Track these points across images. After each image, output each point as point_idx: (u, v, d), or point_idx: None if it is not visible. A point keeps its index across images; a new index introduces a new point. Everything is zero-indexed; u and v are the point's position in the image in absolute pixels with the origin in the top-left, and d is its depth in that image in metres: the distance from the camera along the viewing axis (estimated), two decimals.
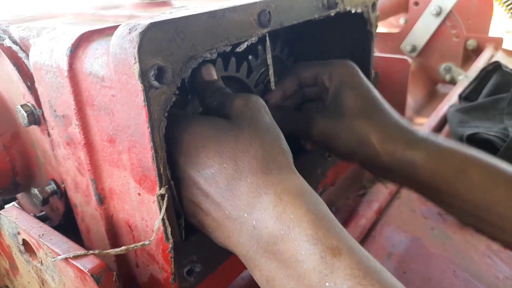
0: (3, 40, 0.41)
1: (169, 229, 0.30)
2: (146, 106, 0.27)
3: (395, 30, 1.43)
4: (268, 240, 0.27)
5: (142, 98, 0.26)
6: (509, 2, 1.17)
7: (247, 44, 0.34)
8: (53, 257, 0.29)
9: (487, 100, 0.92)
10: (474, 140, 0.79)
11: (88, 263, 0.27)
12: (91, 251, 0.28)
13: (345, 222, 0.59)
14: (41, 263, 0.32)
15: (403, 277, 0.53)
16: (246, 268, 0.42)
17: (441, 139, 0.40)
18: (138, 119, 0.27)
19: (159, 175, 0.28)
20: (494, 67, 1.02)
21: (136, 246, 0.30)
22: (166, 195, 0.29)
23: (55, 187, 0.42)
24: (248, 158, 0.29)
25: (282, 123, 0.45)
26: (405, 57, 0.82)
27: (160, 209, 0.29)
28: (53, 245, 0.29)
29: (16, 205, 0.51)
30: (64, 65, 0.30)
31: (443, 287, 0.53)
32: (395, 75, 0.81)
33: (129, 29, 0.26)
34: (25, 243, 0.33)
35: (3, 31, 0.42)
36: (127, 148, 0.30)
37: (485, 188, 0.36)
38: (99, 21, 0.43)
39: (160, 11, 0.44)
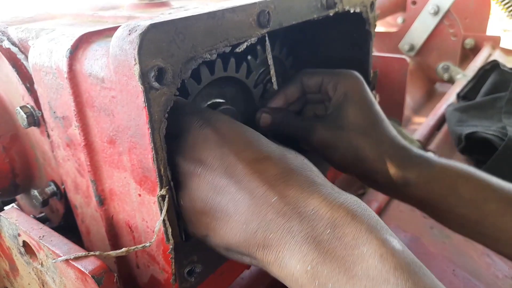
0: (1, 41, 0.41)
1: (169, 230, 0.30)
2: (146, 107, 0.27)
3: (393, 30, 1.44)
4: None
5: (143, 99, 0.26)
6: (506, 1, 1.17)
7: (247, 45, 0.34)
8: (54, 259, 0.29)
9: (485, 99, 0.92)
10: (472, 139, 0.80)
11: (89, 265, 0.27)
12: (91, 253, 0.28)
13: None
14: (42, 264, 0.32)
15: None
16: (246, 268, 0.42)
17: (434, 157, 0.42)
18: (139, 120, 0.27)
19: (160, 176, 0.28)
20: (492, 66, 1.02)
21: (137, 248, 0.30)
22: (167, 196, 0.29)
23: (55, 189, 0.42)
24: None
25: (282, 125, 0.45)
26: (403, 56, 0.82)
27: (161, 210, 0.29)
28: (54, 246, 0.29)
29: (16, 206, 0.51)
30: (64, 67, 0.30)
31: None
32: (393, 75, 0.81)
33: (129, 30, 0.26)
34: (25, 244, 0.33)
35: (2, 33, 0.41)
36: (128, 149, 0.30)
37: (476, 203, 0.38)
38: (98, 22, 0.43)
39: (159, 12, 0.44)
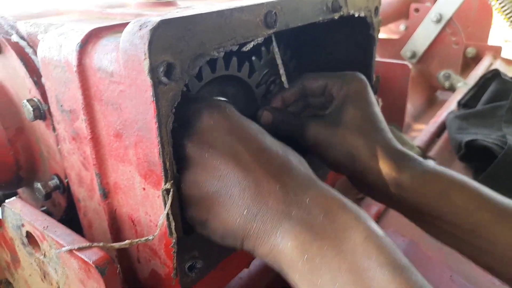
0: (10, 35, 0.41)
1: (173, 224, 0.30)
2: (154, 102, 0.27)
3: (395, 36, 1.45)
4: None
5: (151, 93, 0.27)
6: (508, 11, 1.18)
7: (253, 44, 0.34)
8: (57, 249, 0.29)
9: (485, 107, 0.93)
10: (472, 147, 0.80)
11: (93, 255, 0.27)
12: (95, 244, 0.29)
13: None
14: (44, 255, 0.32)
15: None
16: (246, 267, 0.42)
17: (429, 162, 0.41)
18: (146, 114, 0.28)
19: (165, 170, 0.29)
20: (493, 75, 1.03)
21: (140, 241, 0.30)
22: (172, 190, 0.29)
23: (58, 182, 0.42)
24: None
25: (282, 124, 0.46)
26: (405, 62, 0.83)
27: (165, 204, 0.29)
28: (58, 237, 0.30)
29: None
30: (73, 60, 0.31)
31: None
32: (395, 80, 0.82)
33: (140, 25, 0.26)
34: (28, 235, 0.33)
35: (11, 27, 0.42)
36: (134, 143, 0.30)
37: (468, 212, 0.37)
38: (106, 19, 0.44)
39: (166, 11, 0.45)
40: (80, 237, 0.30)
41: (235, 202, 0.29)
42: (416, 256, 0.60)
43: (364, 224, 0.28)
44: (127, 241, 0.30)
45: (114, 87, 0.29)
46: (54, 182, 0.42)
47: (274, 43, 0.40)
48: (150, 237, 0.30)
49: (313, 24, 0.41)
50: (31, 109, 0.39)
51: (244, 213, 0.29)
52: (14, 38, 0.41)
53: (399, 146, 0.42)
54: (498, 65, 1.34)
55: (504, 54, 1.40)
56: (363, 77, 0.46)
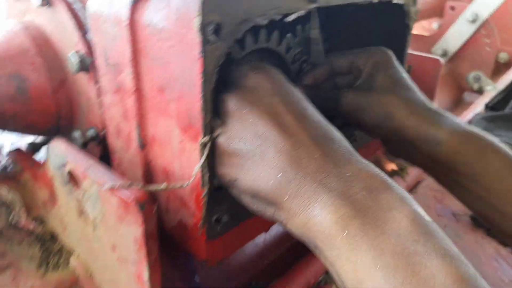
0: None
1: (206, 176, 0.32)
2: (201, 59, 0.29)
3: (426, 34, 1.43)
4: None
5: (199, 51, 0.28)
6: None
7: (296, 16, 0.35)
8: (98, 187, 0.32)
9: None
10: None
11: (132, 194, 0.30)
12: (135, 183, 0.31)
13: None
14: (84, 193, 0.34)
15: None
16: (266, 231, 0.44)
17: (466, 123, 0.41)
18: (192, 70, 0.29)
19: (205, 125, 0.31)
20: None
21: (175, 186, 0.32)
22: (208, 144, 0.31)
23: (95, 134, 0.45)
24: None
25: (315, 99, 0.47)
26: (437, 57, 0.82)
27: (202, 156, 0.31)
28: (100, 176, 0.32)
29: None
30: (124, 16, 0.33)
31: None
32: (425, 74, 0.81)
33: None
34: (70, 174, 0.35)
35: None
36: (177, 97, 0.32)
37: (502, 175, 0.37)
38: None
39: None
40: (119, 177, 0.32)
41: (269, 163, 0.29)
42: None
43: (410, 207, 0.26)
44: (164, 184, 0.32)
45: (162, 43, 0.31)
46: (91, 133, 0.45)
47: (315, 19, 0.41)
48: (185, 184, 0.32)
49: (350, 8, 0.41)
50: (76, 61, 0.41)
51: (278, 176, 0.29)
52: None
53: (434, 105, 0.42)
54: None
55: None
56: (387, 49, 0.47)
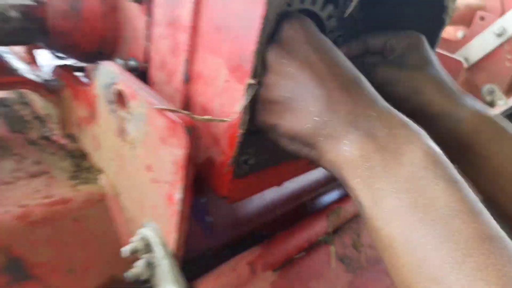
0: None
1: (246, 117, 0.34)
2: (265, 4, 0.31)
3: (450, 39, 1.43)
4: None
5: None
6: None
7: None
8: (147, 107, 0.34)
9: None
10: None
11: (181, 118, 0.32)
12: (184, 111, 0.33)
13: None
14: (130, 113, 0.37)
15: None
16: (278, 185, 0.47)
17: (487, 107, 0.45)
18: (254, 14, 0.31)
19: (254, 67, 0.33)
20: None
21: (216, 120, 0.35)
22: (254, 87, 0.33)
23: (135, 64, 0.47)
24: None
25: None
26: (461, 59, 0.84)
27: (246, 96, 0.34)
28: (151, 97, 0.34)
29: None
30: None
31: None
32: None
33: None
34: (118, 93, 0.37)
35: None
36: (232, 38, 0.34)
37: None
38: None
39: None
40: (168, 102, 0.34)
41: (307, 108, 0.33)
42: None
43: (424, 141, 0.30)
44: (208, 116, 0.34)
45: None
46: (132, 62, 0.47)
47: None
48: (228, 119, 0.34)
49: None
50: None
51: (315, 119, 0.32)
52: None
53: (459, 87, 0.46)
54: None
55: None
56: (420, 34, 0.50)
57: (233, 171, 0.38)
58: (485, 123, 0.42)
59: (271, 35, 0.35)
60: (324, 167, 0.34)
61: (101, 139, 0.43)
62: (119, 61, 0.47)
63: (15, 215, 0.38)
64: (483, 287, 0.24)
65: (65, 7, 0.44)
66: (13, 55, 0.48)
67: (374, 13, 0.61)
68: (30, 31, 0.44)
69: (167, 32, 0.40)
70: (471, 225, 0.26)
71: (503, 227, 0.30)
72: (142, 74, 0.46)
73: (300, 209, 0.59)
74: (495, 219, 0.30)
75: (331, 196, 0.64)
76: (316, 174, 0.64)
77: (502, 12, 1.31)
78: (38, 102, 0.51)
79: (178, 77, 0.40)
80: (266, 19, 0.31)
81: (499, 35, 1.29)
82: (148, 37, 0.44)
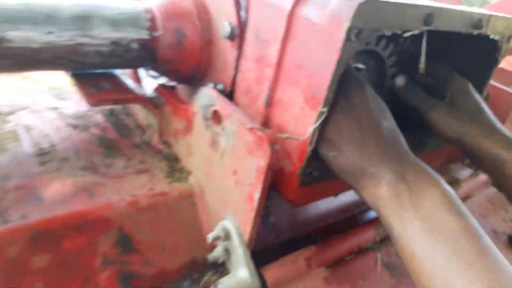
0: None
1: (315, 138, 0.43)
2: (340, 51, 0.40)
3: (509, 68, 1.44)
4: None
5: (340, 45, 0.39)
6: None
7: (412, 33, 0.45)
8: (238, 126, 0.44)
9: None
10: None
11: (267, 136, 0.42)
12: (268, 129, 0.43)
13: None
14: (223, 129, 0.47)
15: None
16: (335, 195, 0.55)
17: None
18: (330, 57, 0.40)
19: (326, 99, 0.42)
20: None
21: (292, 138, 0.44)
22: (324, 114, 0.42)
23: (223, 88, 0.57)
24: None
25: (411, 93, 0.58)
26: None
27: (317, 121, 0.42)
28: (242, 118, 0.44)
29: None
30: (287, 7, 0.44)
31: None
32: (499, 106, 0.88)
33: None
34: (215, 112, 0.48)
35: None
36: (309, 74, 0.43)
37: None
38: None
39: None
40: (257, 123, 0.44)
41: (358, 153, 0.42)
42: None
43: (441, 185, 0.40)
44: (285, 135, 0.44)
45: (312, 33, 0.42)
46: (220, 86, 0.57)
47: (425, 37, 0.50)
48: (300, 138, 0.43)
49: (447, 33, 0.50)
50: (227, 30, 0.53)
51: (362, 162, 0.42)
52: None
53: (504, 128, 0.53)
54: None
55: None
56: (465, 80, 0.58)
57: (300, 181, 0.47)
58: None
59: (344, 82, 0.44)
60: (361, 197, 0.44)
61: (194, 147, 0.53)
62: (210, 84, 0.57)
63: (127, 202, 0.49)
64: (479, 281, 0.33)
65: (173, 41, 0.56)
66: (127, 76, 0.60)
67: (429, 48, 0.68)
68: (144, 59, 0.56)
69: (254, 66, 0.50)
70: (473, 244, 0.35)
71: None
72: (227, 96, 0.57)
73: (350, 220, 0.66)
74: None
75: None
76: None
77: None
78: (140, 114, 0.63)
79: (261, 102, 0.50)
80: (339, 62, 0.40)
81: None
82: (236, 68, 0.54)
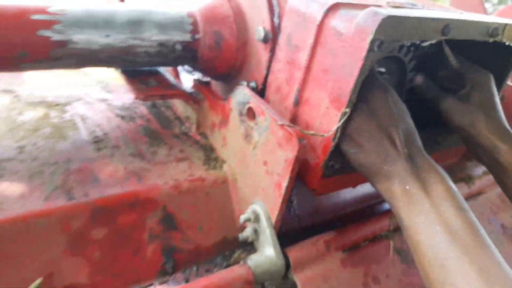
0: None
1: (338, 134, 0.49)
2: (363, 60, 0.45)
3: None
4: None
5: (364, 55, 0.45)
6: None
7: (430, 43, 0.50)
8: (271, 122, 0.50)
9: None
10: None
11: (295, 131, 0.47)
12: (296, 126, 0.49)
13: None
14: (256, 124, 0.53)
15: None
16: (353, 186, 0.61)
17: None
18: (355, 64, 0.46)
19: (350, 101, 0.47)
20: None
21: (318, 134, 0.50)
22: (347, 114, 0.48)
23: (255, 85, 0.63)
24: None
25: (426, 89, 0.62)
26: None
27: (340, 120, 0.48)
28: (273, 115, 0.50)
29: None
30: (317, 18, 0.49)
31: None
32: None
33: (375, 12, 0.44)
34: (250, 109, 0.54)
35: None
36: (335, 78, 0.48)
37: None
38: None
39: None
40: (285, 119, 0.50)
41: (376, 151, 0.48)
42: None
43: (447, 182, 0.46)
44: (312, 131, 0.49)
45: (338, 42, 0.48)
46: (253, 84, 0.63)
47: (444, 45, 0.55)
48: (326, 134, 0.49)
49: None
50: (262, 33, 0.59)
51: (379, 159, 0.48)
52: None
53: (508, 126, 0.57)
54: None
55: None
56: (489, 73, 0.61)
57: (322, 172, 0.53)
58: None
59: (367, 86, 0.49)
60: (376, 189, 0.49)
61: (229, 139, 0.60)
62: (243, 82, 0.64)
63: (170, 185, 0.56)
64: (475, 269, 0.39)
65: (211, 42, 0.62)
66: (168, 73, 0.67)
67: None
68: (186, 58, 0.62)
69: (285, 68, 0.56)
70: (470, 236, 0.41)
71: None
72: (258, 93, 0.63)
73: (367, 210, 0.72)
74: None
75: None
76: None
77: None
78: (179, 107, 0.70)
79: (290, 100, 0.55)
80: (362, 69, 0.46)
81: None
82: (268, 68, 0.60)
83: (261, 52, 0.61)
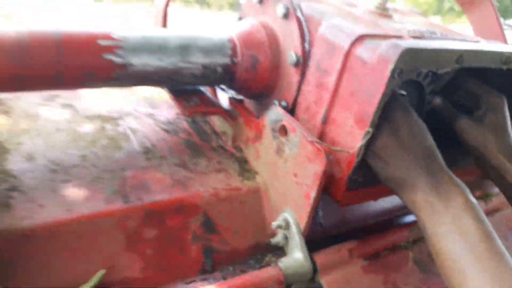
0: (296, 11, 0.68)
1: (362, 151, 0.55)
2: (385, 86, 0.51)
3: None
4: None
5: (385, 82, 0.51)
6: None
7: (445, 71, 0.56)
8: (301, 139, 0.56)
9: None
10: None
11: (323, 147, 0.54)
12: (324, 143, 0.55)
13: None
14: (288, 139, 0.59)
15: None
16: (375, 200, 0.66)
17: None
18: (377, 90, 0.52)
19: (372, 121, 0.53)
20: None
21: (343, 150, 0.56)
22: (370, 133, 0.54)
23: (285, 105, 0.70)
24: None
25: (443, 110, 0.68)
26: None
27: (363, 139, 0.54)
28: (304, 132, 0.57)
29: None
30: (345, 47, 0.56)
31: None
32: None
33: (396, 44, 0.50)
34: (282, 126, 0.61)
35: (297, 5, 0.68)
36: (360, 101, 0.55)
37: None
38: (351, 17, 0.68)
39: (391, 23, 0.67)
40: (313, 136, 0.56)
41: (400, 166, 0.54)
42: None
43: (466, 195, 0.51)
44: (339, 148, 0.55)
45: (363, 69, 0.54)
46: (283, 103, 0.70)
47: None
48: (351, 151, 0.55)
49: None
50: (294, 58, 0.66)
51: (403, 174, 0.53)
52: (298, 13, 0.67)
53: None
54: None
55: None
56: (502, 95, 0.66)
57: (347, 185, 0.59)
58: None
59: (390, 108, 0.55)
60: (402, 201, 0.55)
61: (262, 153, 0.66)
62: (276, 102, 0.70)
63: (210, 193, 0.62)
64: (488, 275, 0.44)
65: (248, 65, 0.69)
66: (208, 92, 0.75)
67: (464, 71, 0.77)
68: (225, 79, 0.70)
69: (314, 90, 0.62)
70: (486, 244, 0.46)
71: None
72: (288, 112, 0.69)
73: (387, 222, 0.77)
74: None
75: (411, 217, 0.81)
76: None
77: None
78: (216, 122, 0.77)
79: (318, 119, 0.62)
80: (384, 94, 0.52)
81: None
82: (298, 90, 0.66)
83: (292, 75, 0.68)
